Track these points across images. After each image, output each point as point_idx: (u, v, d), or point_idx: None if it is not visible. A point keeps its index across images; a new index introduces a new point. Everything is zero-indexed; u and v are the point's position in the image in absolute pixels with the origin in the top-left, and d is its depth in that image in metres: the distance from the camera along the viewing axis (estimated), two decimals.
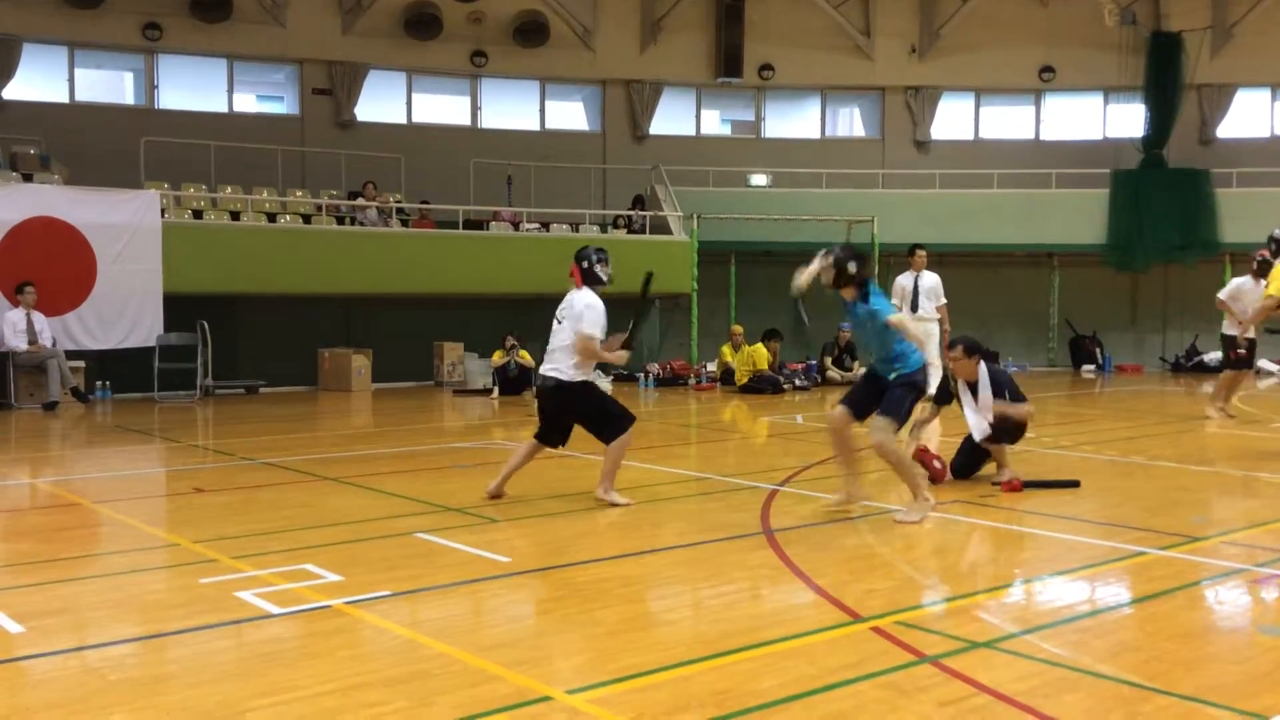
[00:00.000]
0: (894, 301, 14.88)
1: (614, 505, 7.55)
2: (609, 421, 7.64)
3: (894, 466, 7.24)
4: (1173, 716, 3.81)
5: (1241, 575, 5.81)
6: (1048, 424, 10.46)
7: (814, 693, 3.99)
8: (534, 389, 7.83)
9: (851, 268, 7.10)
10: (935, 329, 14.72)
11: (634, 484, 8.71)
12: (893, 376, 7.13)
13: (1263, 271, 11.94)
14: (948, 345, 8.83)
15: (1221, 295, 12.68)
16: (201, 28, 20.70)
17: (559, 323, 7.78)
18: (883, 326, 7.06)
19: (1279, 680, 4.15)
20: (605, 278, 7.84)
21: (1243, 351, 12.12)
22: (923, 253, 15.16)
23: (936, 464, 8.53)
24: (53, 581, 5.64)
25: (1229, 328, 12.48)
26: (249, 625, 4.86)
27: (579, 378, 7.57)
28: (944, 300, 14.97)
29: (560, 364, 7.59)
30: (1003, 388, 8.41)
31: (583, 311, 7.56)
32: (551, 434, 7.85)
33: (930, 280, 14.95)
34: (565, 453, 10.45)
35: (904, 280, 15.05)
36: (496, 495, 7.79)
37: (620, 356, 7.82)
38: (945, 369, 8.91)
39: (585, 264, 7.81)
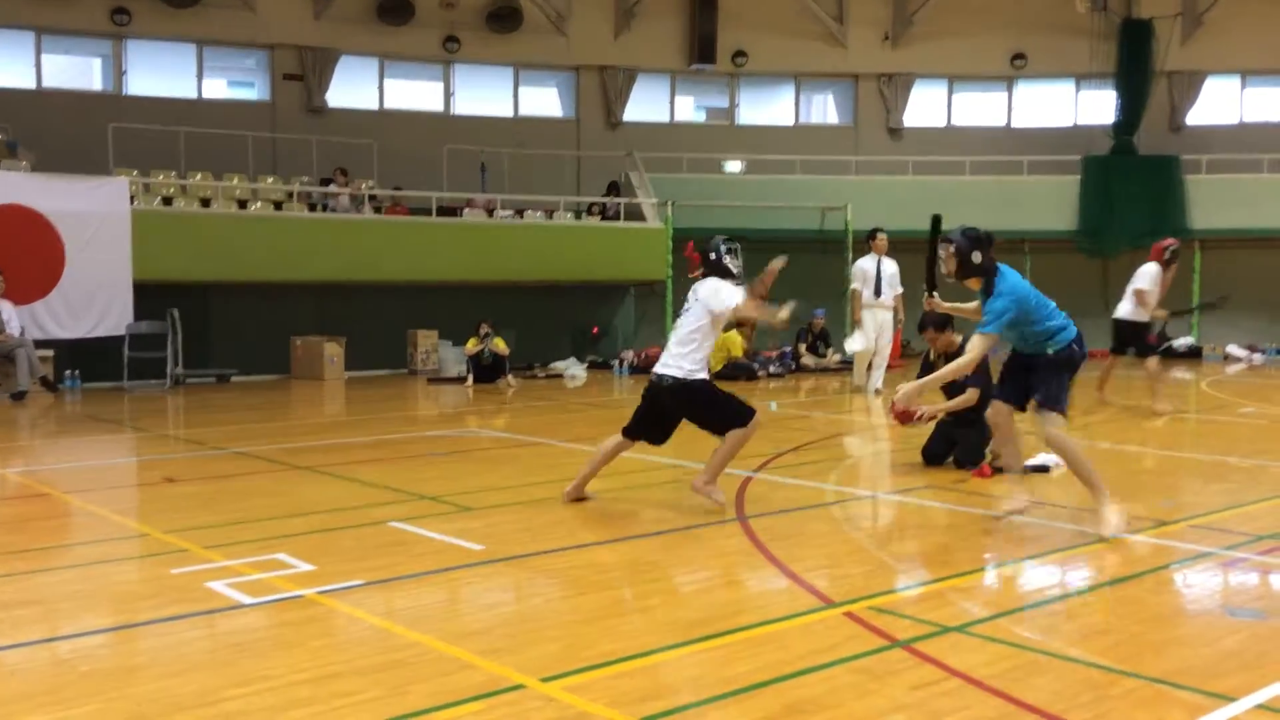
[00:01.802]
0: (854, 285, 14.92)
1: (711, 500, 6.99)
2: (729, 414, 7.00)
3: (1070, 462, 6.50)
4: (1141, 699, 3.85)
5: (1209, 559, 5.88)
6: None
7: (786, 678, 4.01)
8: (649, 381, 7.19)
9: (976, 258, 6.42)
10: (890, 318, 14.78)
11: (608, 471, 8.71)
12: (1051, 352, 6.48)
13: (1172, 260, 12.27)
14: (919, 328, 8.86)
15: (1145, 285, 12.19)
16: (170, 13, 20.47)
17: (686, 313, 7.18)
18: (1019, 319, 6.39)
19: (1246, 662, 4.21)
20: (736, 270, 7.13)
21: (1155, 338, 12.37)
22: (884, 236, 14.92)
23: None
24: (22, 572, 5.59)
25: (1137, 315, 12.20)
26: (221, 615, 4.84)
27: (699, 375, 7.00)
28: (901, 290, 14.93)
29: (680, 362, 6.98)
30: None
31: (709, 296, 6.97)
32: (651, 431, 7.25)
33: (892, 267, 14.79)
34: (538, 440, 10.46)
35: (867, 264, 14.78)
36: (578, 498, 7.29)
37: (777, 316, 7.00)
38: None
39: (713, 255, 7.14)
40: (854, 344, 14.93)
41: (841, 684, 3.96)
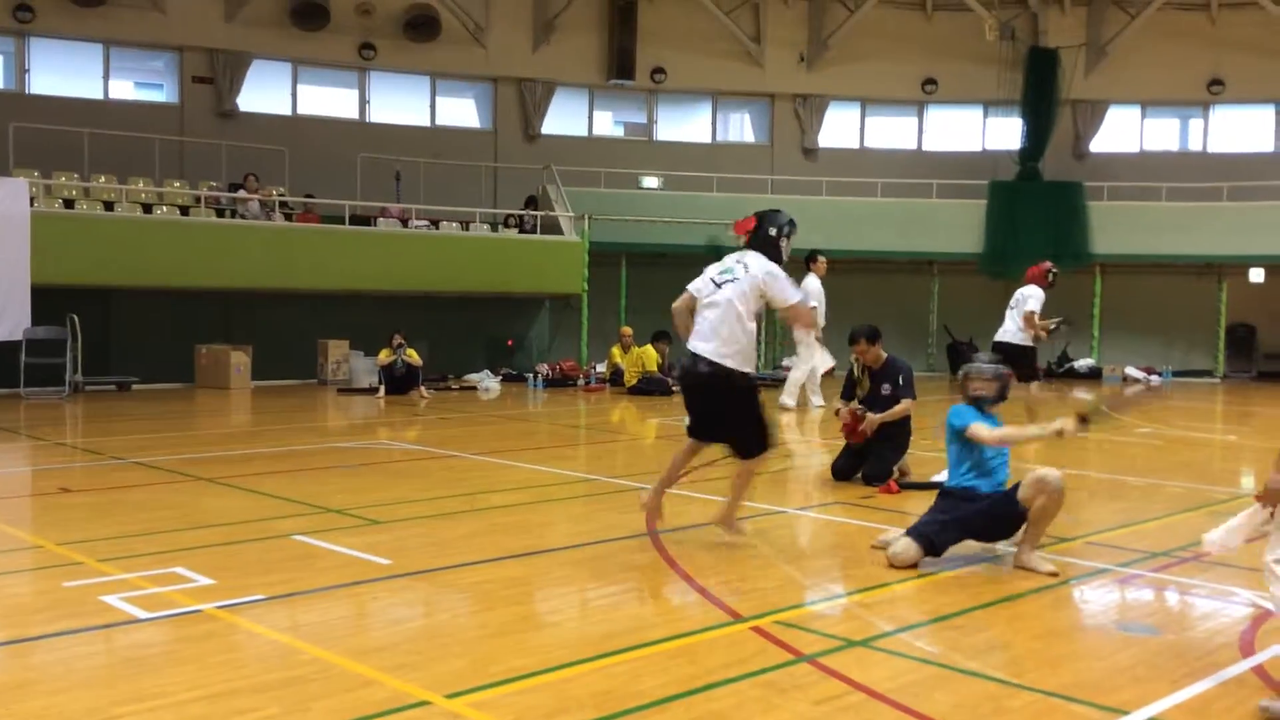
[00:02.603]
0: (812, 303, 14.86)
1: (740, 533, 6.43)
2: (760, 434, 6.19)
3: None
4: (1037, 712, 3.93)
5: (1105, 575, 6.04)
6: (925, 424, 10.72)
7: (694, 692, 4.02)
8: (677, 376, 6.52)
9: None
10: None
11: (522, 484, 8.67)
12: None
13: (1054, 282, 12.55)
14: (849, 340, 8.94)
15: (1036, 308, 12.17)
16: (76, 11, 19.93)
17: (716, 286, 6.11)
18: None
19: (1138, 676, 4.33)
20: (785, 257, 6.31)
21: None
22: (824, 259, 15.21)
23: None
24: None
25: (1024, 338, 12.15)
26: (115, 630, 4.70)
27: (748, 369, 6.11)
28: None
29: (724, 347, 5.99)
30: (898, 374, 8.71)
31: (767, 278, 6.09)
32: (714, 428, 6.29)
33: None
34: (450, 452, 10.36)
35: (816, 284, 14.76)
36: (655, 512, 6.53)
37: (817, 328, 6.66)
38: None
39: (773, 230, 6.24)
40: (826, 361, 15.11)
41: (749, 698, 3.98)
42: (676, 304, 6.42)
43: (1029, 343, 12.25)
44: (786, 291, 6.10)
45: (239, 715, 3.73)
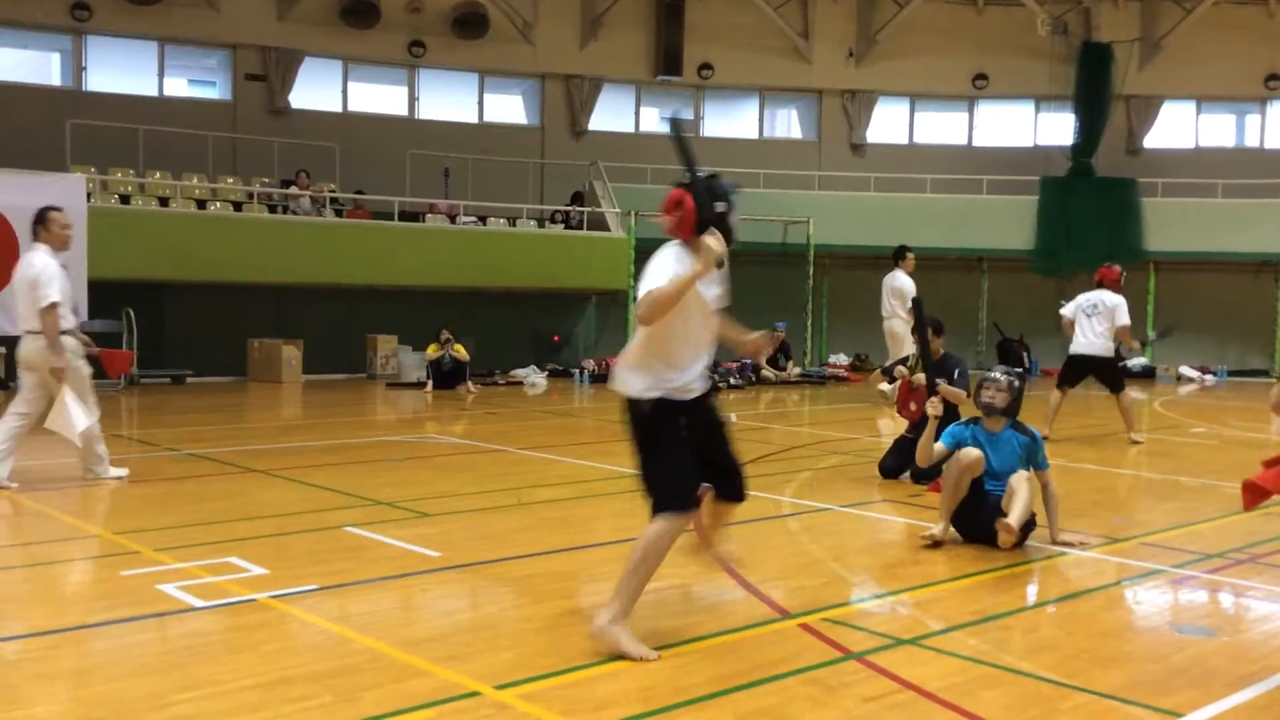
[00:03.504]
0: (894, 303, 14.50)
1: (726, 557, 5.29)
2: (657, 481, 4.51)
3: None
4: (1090, 714, 3.89)
5: (1159, 576, 5.96)
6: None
7: (741, 688, 4.02)
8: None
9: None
10: None
11: (568, 479, 8.72)
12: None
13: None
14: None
15: (1128, 320, 11.47)
16: (132, 9, 20.24)
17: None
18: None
19: (1193, 679, 4.27)
20: (735, 234, 4.68)
21: None
22: (913, 255, 14.66)
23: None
24: None
25: (1108, 350, 11.45)
26: (171, 618, 4.78)
27: (632, 392, 4.48)
28: None
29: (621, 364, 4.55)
30: (954, 368, 8.62)
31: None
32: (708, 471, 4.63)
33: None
34: (497, 447, 10.43)
35: (909, 282, 14.24)
36: (715, 550, 5.10)
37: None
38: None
39: (720, 206, 4.69)
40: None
41: (796, 695, 3.98)
42: None
43: (1111, 354, 11.56)
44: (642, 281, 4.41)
45: (292, 703, 3.79)
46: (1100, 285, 11.67)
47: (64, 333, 7.77)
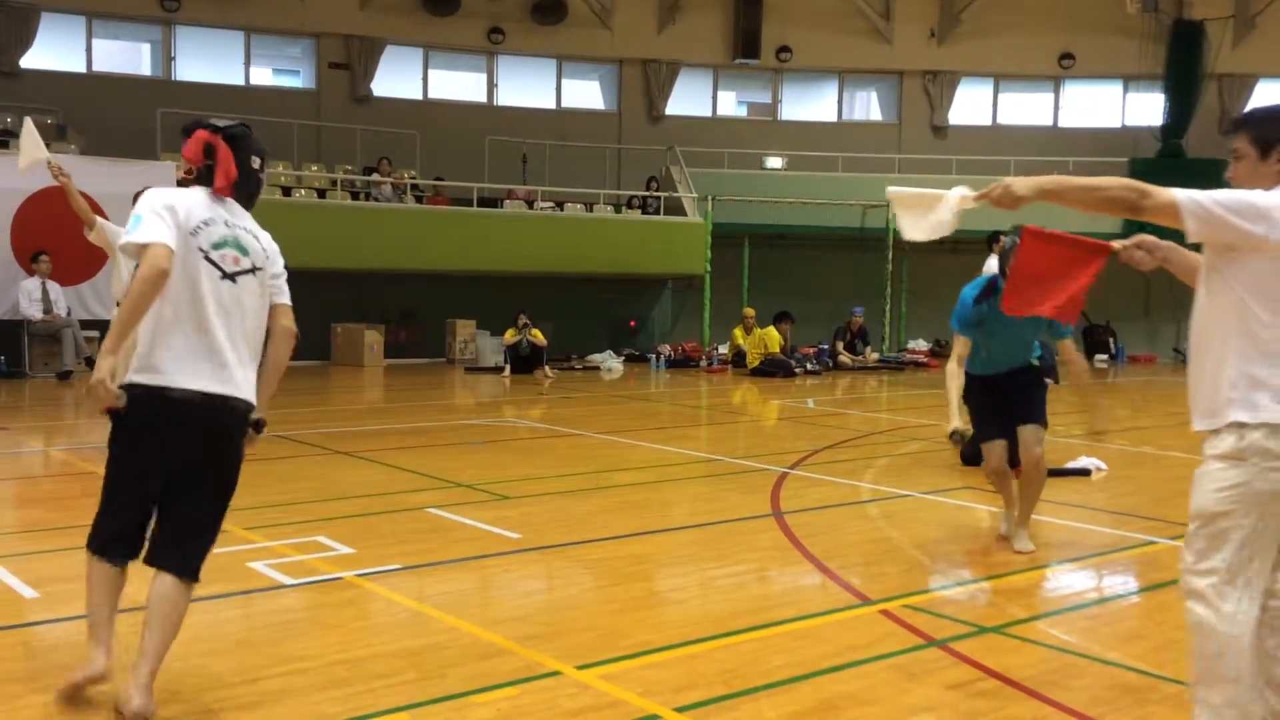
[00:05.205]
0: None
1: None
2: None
3: (1038, 486, 6.06)
4: (1182, 704, 3.81)
5: None
6: (1059, 412, 10.44)
7: (822, 673, 4.01)
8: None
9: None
10: None
11: (645, 463, 8.75)
12: (1035, 363, 6.30)
13: None
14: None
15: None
16: (218, 0, 20.69)
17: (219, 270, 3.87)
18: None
19: None
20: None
21: None
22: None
23: None
24: (65, 549, 5.67)
25: None
26: (261, 595, 4.90)
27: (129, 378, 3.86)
28: None
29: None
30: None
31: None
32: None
33: None
34: (574, 431, 10.49)
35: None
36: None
37: None
38: None
39: (256, 160, 4.20)
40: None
41: (878, 680, 3.95)
42: None
43: None
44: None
45: (379, 679, 3.86)
46: None
47: None
